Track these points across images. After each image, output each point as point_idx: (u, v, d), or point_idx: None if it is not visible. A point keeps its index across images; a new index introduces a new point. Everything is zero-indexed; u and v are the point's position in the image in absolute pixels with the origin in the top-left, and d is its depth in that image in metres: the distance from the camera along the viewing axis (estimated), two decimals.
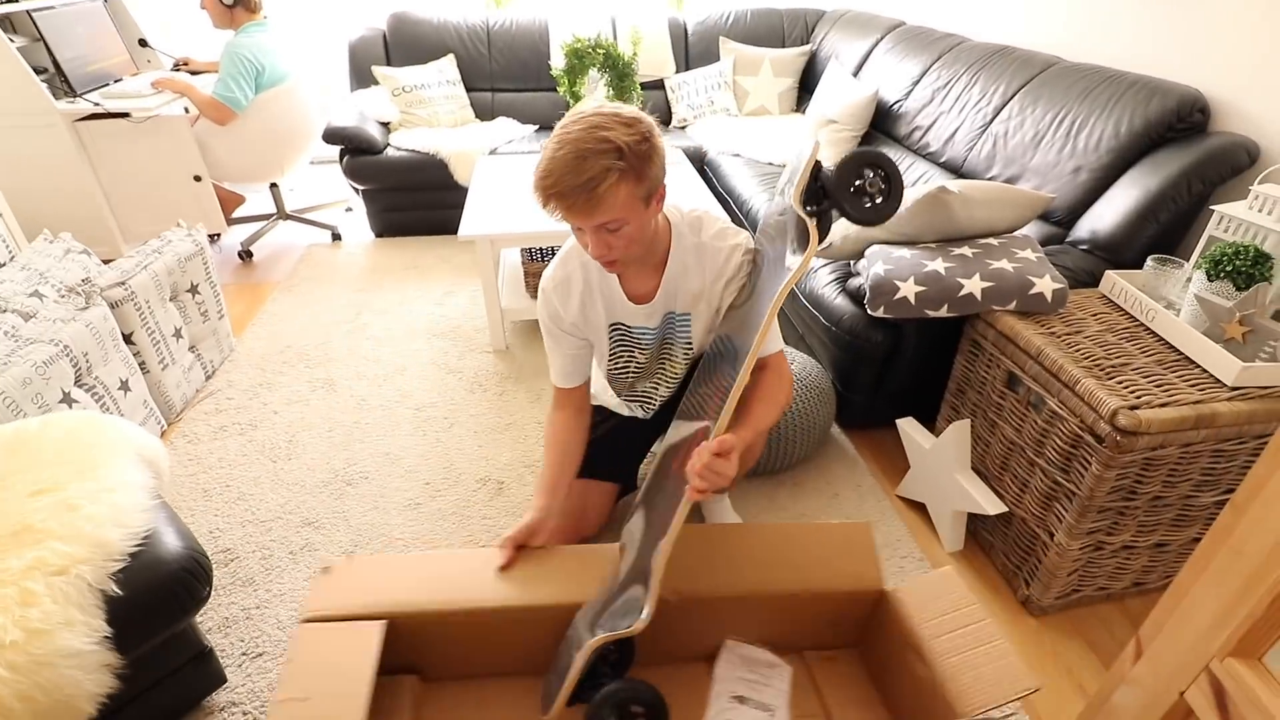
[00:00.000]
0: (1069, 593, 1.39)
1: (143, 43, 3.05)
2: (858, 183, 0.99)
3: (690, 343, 1.30)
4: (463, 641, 1.04)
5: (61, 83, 2.60)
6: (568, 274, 1.25)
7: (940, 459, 1.53)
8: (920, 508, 1.65)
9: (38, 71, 2.48)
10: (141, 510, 1.07)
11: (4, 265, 1.90)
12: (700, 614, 1.09)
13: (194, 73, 3.04)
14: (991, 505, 1.42)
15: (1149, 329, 1.39)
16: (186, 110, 2.80)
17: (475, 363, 2.21)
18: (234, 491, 1.69)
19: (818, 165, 1.02)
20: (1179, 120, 1.70)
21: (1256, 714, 0.69)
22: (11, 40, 2.41)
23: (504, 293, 2.31)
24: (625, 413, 1.51)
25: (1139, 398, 1.18)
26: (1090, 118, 1.85)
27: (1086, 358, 1.29)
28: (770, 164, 2.80)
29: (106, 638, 0.95)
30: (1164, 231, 1.67)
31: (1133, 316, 1.44)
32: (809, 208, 1.01)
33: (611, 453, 1.46)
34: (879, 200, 0.99)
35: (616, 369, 1.36)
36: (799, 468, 1.77)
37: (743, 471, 1.36)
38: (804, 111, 3.32)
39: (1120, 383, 1.22)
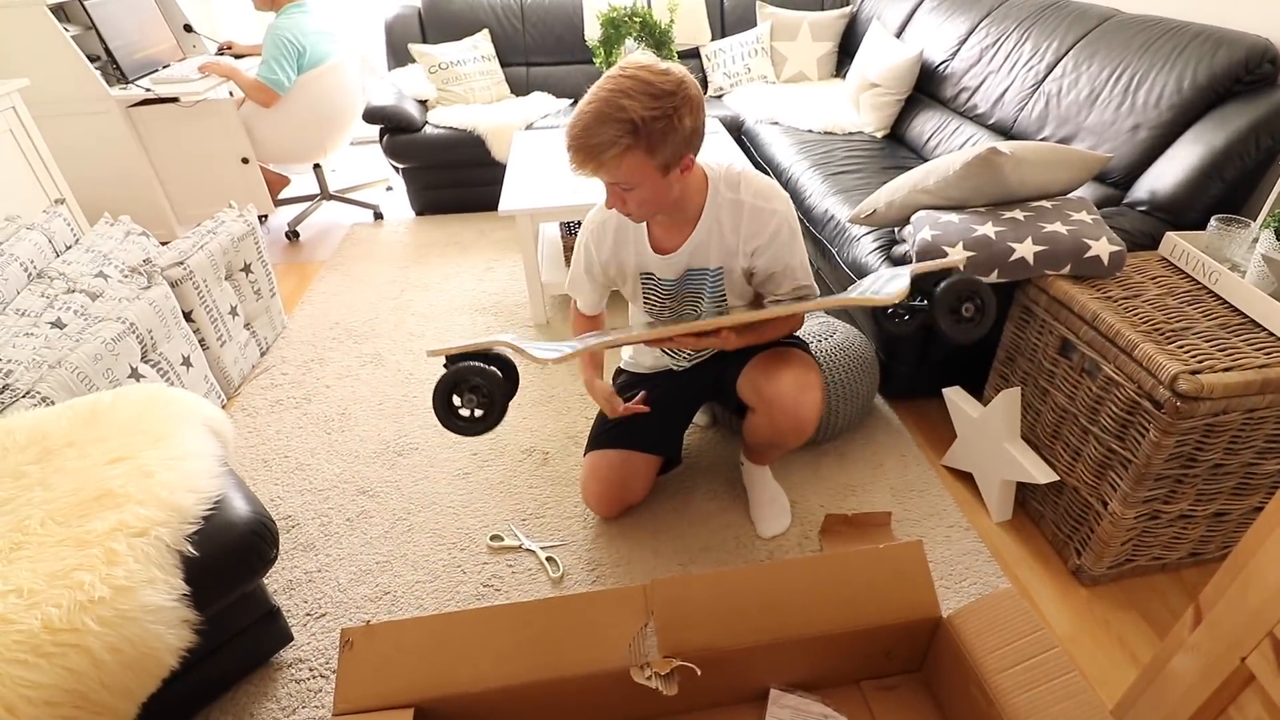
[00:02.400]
0: (1122, 563, 1.36)
1: (188, 28, 3.11)
2: (959, 306, 1.12)
3: (723, 297, 1.32)
4: (495, 714, 0.95)
5: (114, 70, 2.68)
6: (605, 219, 1.30)
7: (989, 428, 1.51)
8: (967, 478, 1.63)
9: (91, 59, 2.56)
10: (211, 476, 1.13)
11: (70, 247, 1.99)
12: (743, 662, 0.99)
13: (238, 56, 3.10)
14: (1042, 474, 1.39)
15: (1211, 292, 1.34)
16: (232, 94, 2.86)
17: (517, 336, 2.24)
18: (292, 461, 1.76)
19: (943, 273, 1.14)
20: (1247, 72, 1.61)
21: None
22: (66, 29, 2.49)
23: (544, 267, 2.33)
24: (660, 367, 1.50)
25: (1200, 362, 1.14)
26: (1151, 72, 1.76)
27: (1145, 322, 1.25)
28: (810, 131, 2.74)
29: (185, 595, 1.01)
30: (1229, 190, 1.59)
31: (1194, 279, 1.38)
32: (912, 299, 1.18)
33: (651, 422, 1.45)
34: (970, 324, 1.14)
35: (650, 312, 1.40)
36: (842, 438, 1.76)
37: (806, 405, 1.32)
38: (844, 76, 3.23)
39: (1181, 347, 1.18)
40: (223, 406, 1.99)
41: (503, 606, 0.97)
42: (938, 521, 1.52)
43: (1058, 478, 1.40)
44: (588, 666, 0.92)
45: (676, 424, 1.55)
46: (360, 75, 3.04)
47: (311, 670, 1.27)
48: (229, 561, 1.08)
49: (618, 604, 0.97)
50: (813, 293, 1.31)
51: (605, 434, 1.47)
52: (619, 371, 1.59)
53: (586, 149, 1.04)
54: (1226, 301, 1.30)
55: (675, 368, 1.48)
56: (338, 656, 0.91)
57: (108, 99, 2.56)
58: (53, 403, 1.40)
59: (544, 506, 1.60)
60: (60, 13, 2.55)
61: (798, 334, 1.43)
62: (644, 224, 1.27)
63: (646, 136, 1.03)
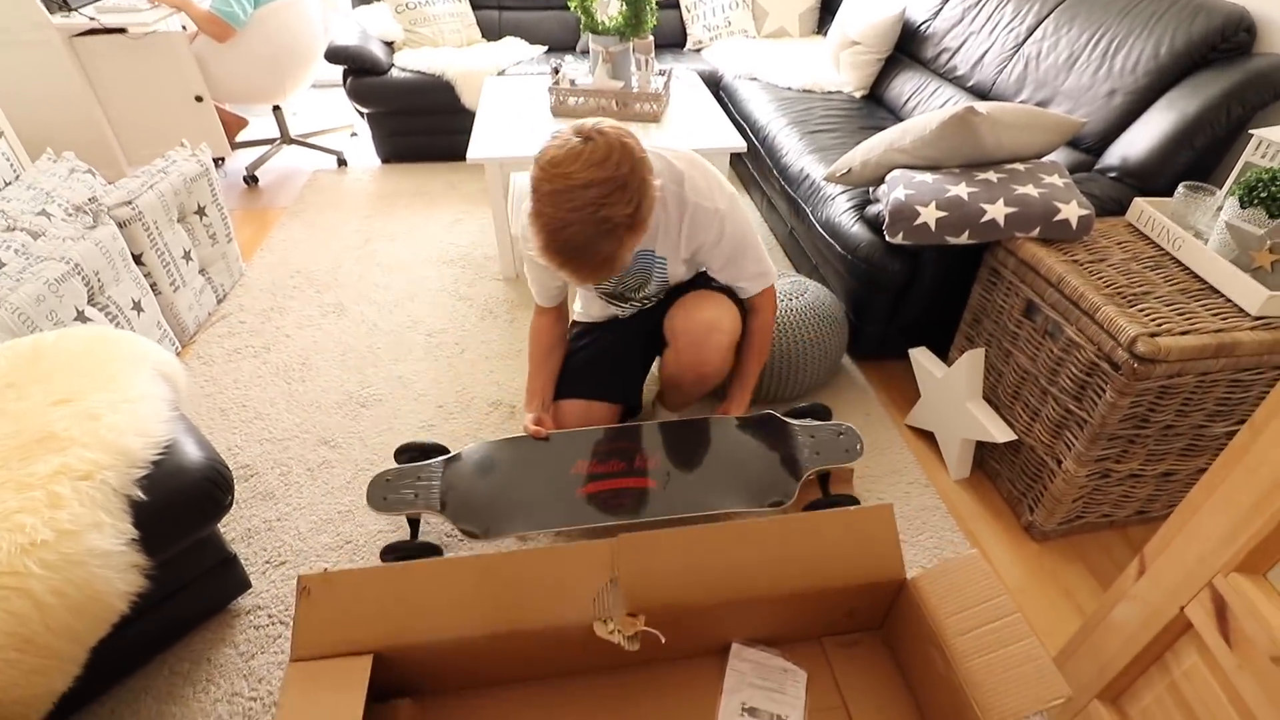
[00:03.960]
0: (1072, 519, 1.41)
1: None
2: None
3: (665, 279, 1.36)
4: (453, 664, 0.96)
5: (59, 1, 2.50)
6: None
7: (952, 388, 1.53)
8: (928, 436, 1.66)
9: None
10: (161, 421, 1.09)
11: (10, 184, 1.88)
12: (706, 617, 1.00)
13: None
14: (1001, 433, 1.42)
15: (1174, 258, 1.36)
16: (185, 27, 2.70)
17: (485, 290, 2.20)
18: (250, 411, 1.72)
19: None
20: (1223, 40, 1.61)
21: (1256, 625, 0.71)
22: None
23: (514, 219, 2.27)
24: (607, 315, 1.51)
25: (1159, 325, 1.17)
26: (1129, 37, 1.75)
27: (1108, 285, 1.27)
28: (789, 88, 2.70)
29: (134, 540, 0.98)
30: (1199, 158, 1.60)
31: (1159, 245, 1.40)
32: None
33: (606, 370, 1.47)
34: None
35: (605, 290, 1.41)
36: (808, 396, 1.77)
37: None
38: (825, 33, 3.17)
39: (1141, 310, 1.20)
40: (178, 354, 1.92)
41: (465, 558, 0.95)
42: (898, 478, 1.55)
43: (1016, 437, 1.44)
44: (551, 619, 0.92)
45: (633, 372, 1.54)
46: (322, 12, 2.89)
47: (270, 617, 1.25)
48: (181, 507, 1.05)
49: (583, 558, 0.96)
50: (766, 276, 1.36)
51: (566, 384, 1.46)
52: (573, 324, 1.57)
53: (593, 268, 1.04)
54: (1188, 268, 1.33)
55: (620, 315, 1.48)
56: (295, 604, 0.90)
57: (48, 27, 2.39)
58: None
59: None
60: None
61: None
62: None
63: (640, 220, 1.04)
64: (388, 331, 2.01)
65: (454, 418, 1.70)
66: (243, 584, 1.27)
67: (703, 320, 1.34)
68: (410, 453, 1.46)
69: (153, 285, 1.85)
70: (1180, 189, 1.41)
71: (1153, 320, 1.18)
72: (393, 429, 1.67)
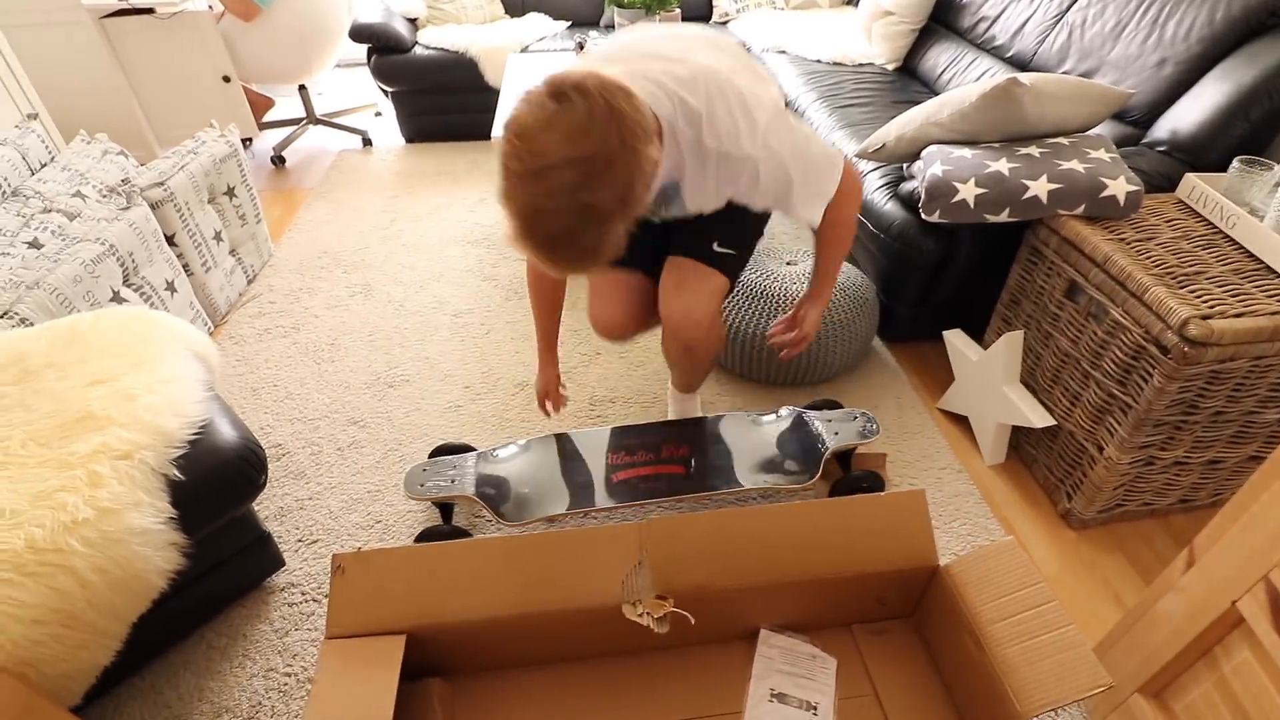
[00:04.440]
0: (1112, 507, 1.37)
1: None
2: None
3: (685, 210, 1.13)
4: (483, 644, 0.96)
5: None
6: None
7: (988, 371, 1.49)
8: (962, 421, 1.63)
9: None
10: (196, 401, 1.10)
11: (45, 165, 1.91)
12: (735, 602, 0.98)
13: None
14: (1040, 418, 1.38)
15: (1228, 236, 1.30)
16: (211, 6, 2.70)
17: (510, 270, 2.19)
18: (281, 391, 1.74)
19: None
20: None
21: None
22: None
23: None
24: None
25: (1212, 307, 1.12)
26: (1181, 3, 1.66)
27: (1157, 265, 1.22)
28: (819, 61, 2.62)
29: (172, 519, 1.00)
30: (1254, 131, 1.52)
31: (1211, 223, 1.34)
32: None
33: (649, 250, 1.31)
34: None
35: None
36: (838, 379, 1.74)
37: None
38: (856, 4, 3.07)
39: (1192, 291, 1.15)
40: (210, 334, 1.95)
41: (496, 538, 0.96)
42: (930, 463, 1.52)
43: (1055, 422, 1.40)
44: (580, 601, 0.92)
45: (660, 250, 1.35)
46: None
47: (304, 594, 1.28)
48: (216, 486, 1.06)
49: (611, 540, 0.95)
50: (823, 196, 1.10)
51: None
52: None
53: (583, 257, 0.85)
54: (1243, 246, 1.27)
55: (653, 219, 1.27)
56: (330, 582, 0.91)
57: (79, 7, 2.41)
58: (31, 323, 1.36)
59: (537, 433, 1.59)
60: None
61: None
62: None
63: (633, 201, 0.84)
64: (414, 312, 2.01)
65: (480, 399, 1.71)
66: (277, 561, 1.29)
67: (677, 308, 1.23)
68: (444, 453, 1.47)
69: (185, 266, 1.87)
70: (1235, 164, 1.34)
71: (1205, 302, 1.13)
72: (420, 409, 1.68)
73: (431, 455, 1.45)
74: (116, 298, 1.60)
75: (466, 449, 1.45)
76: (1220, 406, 1.19)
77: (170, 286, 1.78)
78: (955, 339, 1.58)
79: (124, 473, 0.97)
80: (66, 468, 0.96)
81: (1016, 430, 1.53)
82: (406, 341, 1.90)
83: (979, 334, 1.65)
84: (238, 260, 2.11)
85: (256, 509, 1.37)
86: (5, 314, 1.37)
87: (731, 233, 1.24)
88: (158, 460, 1.00)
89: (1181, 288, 1.16)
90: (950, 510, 1.42)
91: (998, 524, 1.40)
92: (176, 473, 1.01)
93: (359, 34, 2.76)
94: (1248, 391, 1.18)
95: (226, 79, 2.67)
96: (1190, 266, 1.22)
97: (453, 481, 1.31)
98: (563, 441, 1.41)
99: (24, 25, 2.39)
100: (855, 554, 0.97)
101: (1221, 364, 1.12)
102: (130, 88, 2.63)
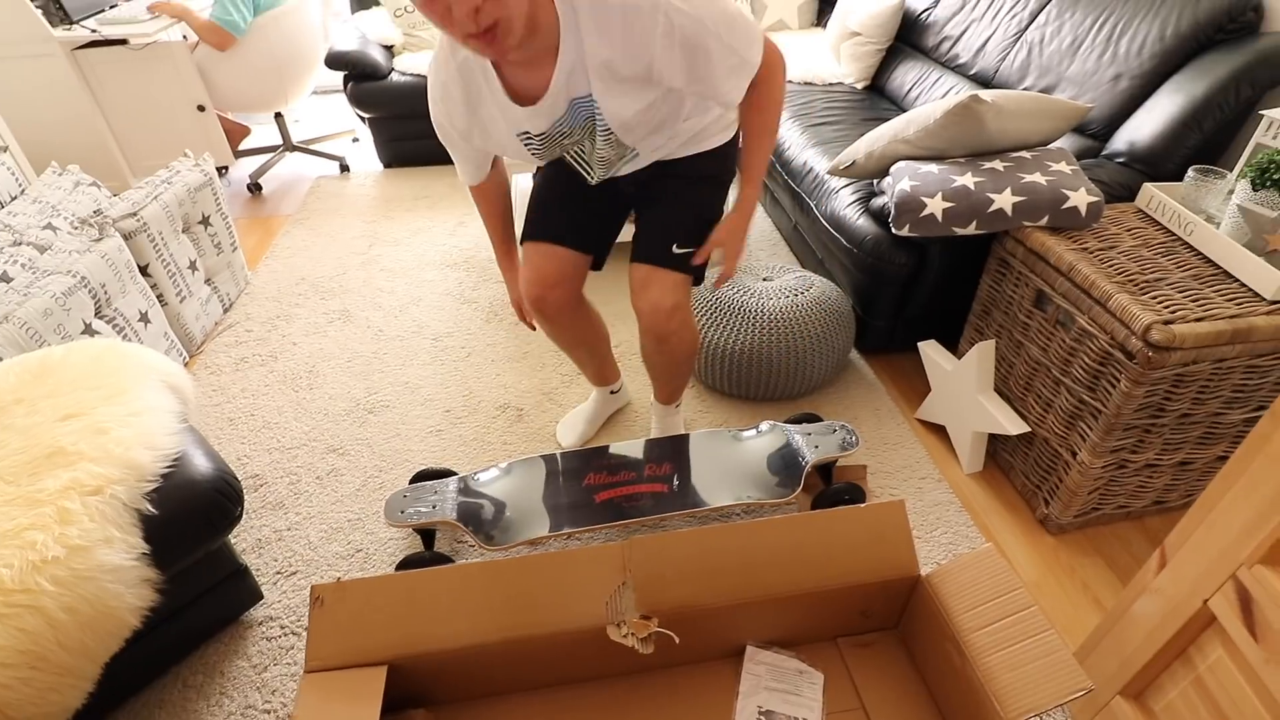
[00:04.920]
0: (1088, 511, 1.39)
1: None
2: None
3: (607, 128, 1.06)
4: (467, 672, 0.95)
5: (57, 9, 2.51)
6: (445, 80, 1.04)
7: (962, 381, 1.52)
8: (940, 430, 1.65)
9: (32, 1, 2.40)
10: (170, 433, 1.09)
11: (16, 198, 1.89)
12: (720, 619, 0.98)
13: None
14: (1014, 425, 1.41)
15: (1186, 243, 1.34)
16: (185, 36, 2.71)
17: (490, 292, 2.20)
18: (259, 420, 1.72)
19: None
20: (1230, 20, 1.58)
21: None
22: None
23: (518, 222, 2.26)
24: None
25: (1173, 313, 1.15)
26: (1134, 20, 1.72)
27: (1120, 273, 1.25)
28: (790, 81, 2.67)
29: (145, 554, 0.98)
30: (1207, 141, 1.58)
31: (1170, 231, 1.38)
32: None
33: (570, 213, 1.31)
34: None
35: (542, 156, 1.17)
36: (817, 393, 1.76)
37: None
38: (824, 25, 3.15)
39: (1154, 298, 1.19)
40: (185, 364, 1.93)
41: (477, 564, 0.95)
42: (910, 474, 1.53)
43: (1029, 429, 1.42)
44: (564, 624, 0.91)
45: (603, 222, 1.37)
46: (322, 17, 2.89)
47: (283, 628, 1.25)
48: (191, 520, 1.05)
49: (594, 561, 0.95)
50: (747, 66, 1.01)
51: (530, 226, 1.33)
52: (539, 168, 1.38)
53: None
54: (1201, 252, 1.31)
55: (589, 179, 1.26)
56: (309, 614, 0.89)
57: (51, 40, 2.41)
58: (0, 358, 1.34)
59: (516, 457, 1.58)
60: None
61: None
62: (494, 76, 1.00)
63: None
64: (394, 337, 2.01)
65: (462, 422, 1.70)
66: (254, 595, 1.27)
67: (645, 302, 1.23)
68: (424, 478, 1.46)
69: (159, 296, 1.86)
70: (1190, 172, 1.39)
71: (1166, 307, 1.16)
72: (400, 435, 1.67)
73: (412, 481, 1.43)
74: (88, 330, 1.58)
75: (448, 474, 1.44)
76: (1186, 409, 1.22)
77: (144, 317, 1.76)
78: (930, 350, 1.61)
79: (94, 508, 0.95)
80: (35, 505, 0.94)
81: (993, 438, 1.55)
82: (386, 367, 1.89)
83: (954, 344, 1.67)
84: (213, 289, 2.10)
85: (233, 541, 1.35)
86: None
87: (689, 233, 1.24)
88: (129, 495, 0.99)
89: (1144, 294, 1.20)
90: (931, 519, 1.43)
91: (978, 531, 1.41)
92: (149, 507, 1.00)
93: (335, 62, 2.78)
94: (1211, 394, 1.21)
95: (201, 108, 2.67)
96: (1151, 273, 1.25)
97: (434, 507, 1.30)
98: (545, 463, 1.41)
99: None
100: (838, 567, 0.97)
101: (1185, 367, 1.15)
102: (103, 118, 2.62)
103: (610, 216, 1.39)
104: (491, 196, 1.30)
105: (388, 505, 1.32)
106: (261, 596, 1.28)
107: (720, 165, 1.28)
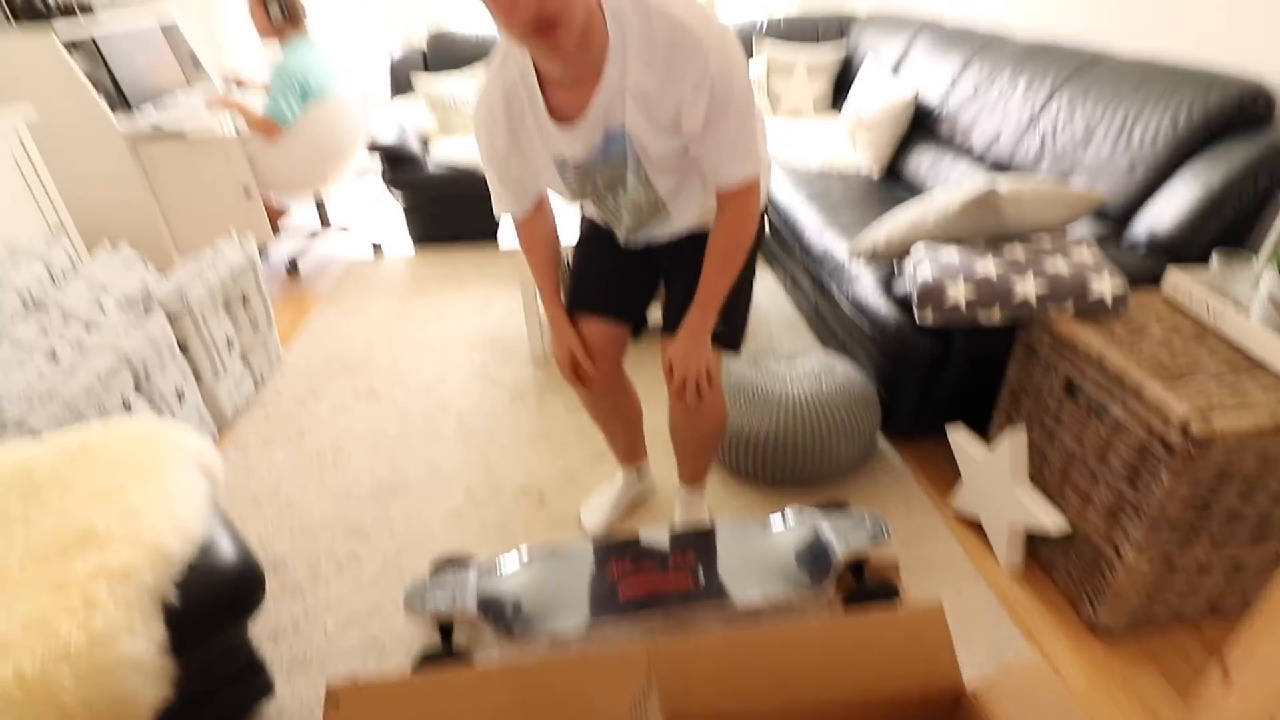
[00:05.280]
0: (1138, 615, 1.32)
1: (195, 61, 3.15)
2: None
3: (639, 163, 1.08)
4: None
5: (120, 100, 2.70)
6: (490, 106, 1.07)
7: (995, 471, 1.48)
8: (975, 523, 1.60)
9: (97, 89, 2.58)
10: (199, 517, 1.10)
11: (69, 276, 1.98)
12: None
13: (241, 85, 3.13)
14: (1053, 522, 1.36)
15: (1217, 331, 1.33)
16: (237, 130, 2.89)
17: (514, 373, 2.23)
18: (282, 499, 1.72)
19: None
20: (1240, 112, 1.62)
21: None
22: (74, 60, 2.52)
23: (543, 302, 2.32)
24: (607, 225, 1.32)
25: (1211, 405, 1.12)
26: (1144, 111, 1.77)
27: (1152, 362, 1.23)
28: (807, 167, 2.77)
29: (164, 645, 0.97)
30: (1228, 229, 1.58)
31: (1199, 318, 1.37)
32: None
33: (611, 284, 1.34)
34: None
35: (576, 192, 1.18)
36: (845, 479, 1.72)
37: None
38: (839, 111, 3.28)
39: (1190, 388, 1.16)
40: (214, 441, 1.96)
41: (498, 669, 0.91)
42: (946, 570, 1.48)
43: (1069, 526, 1.37)
44: None
45: (640, 290, 1.40)
46: (363, 107, 3.08)
47: None
48: (212, 608, 1.03)
49: (618, 664, 0.91)
50: (751, 161, 1.04)
51: (575, 298, 1.35)
52: (581, 217, 1.43)
53: None
54: (1232, 341, 1.29)
55: (619, 234, 1.30)
56: (322, 716, 0.87)
57: (112, 129, 2.58)
58: (41, 435, 1.37)
59: (538, 542, 1.56)
60: (70, 44, 2.58)
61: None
62: (539, 94, 1.03)
63: None
64: (419, 416, 2.03)
65: (483, 505, 1.69)
66: (266, 688, 1.23)
67: (677, 352, 1.23)
68: (444, 566, 1.44)
69: (195, 373, 1.91)
70: (1215, 257, 1.39)
71: (1203, 398, 1.14)
72: (422, 517, 1.66)
73: (432, 568, 1.41)
74: (126, 406, 1.62)
75: (468, 560, 1.42)
76: (1234, 505, 1.18)
77: (179, 394, 1.80)
78: (959, 436, 1.58)
79: (120, 594, 0.95)
80: (62, 589, 0.94)
81: (1032, 533, 1.50)
82: (410, 446, 1.90)
83: (984, 428, 1.65)
84: (247, 366, 2.15)
85: (248, 628, 1.32)
86: (18, 424, 1.38)
87: (723, 306, 1.23)
88: (156, 581, 0.99)
89: (1178, 384, 1.18)
90: (969, 621, 1.37)
91: (1021, 635, 1.34)
92: (174, 594, 0.99)
93: (375, 150, 2.94)
94: (1259, 489, 1.17)
95: (247, 192, 2.81)
96: (1184, 362, 1.24)
97: (454, 597, 1.28)
98: (566, 552, 1.39)
99: (60, 144, 2.55)
100: (875, 675, 0.93)
101: (1228, 462, 1.11)
102: (155, 200, 2.77)
103: (646, 286, 1.42)
104: (538, 239, 1.28)
105: (407, 595, 1.29)
106: (273, 690, 1.25)
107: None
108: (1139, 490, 1.21)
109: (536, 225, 1.26)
